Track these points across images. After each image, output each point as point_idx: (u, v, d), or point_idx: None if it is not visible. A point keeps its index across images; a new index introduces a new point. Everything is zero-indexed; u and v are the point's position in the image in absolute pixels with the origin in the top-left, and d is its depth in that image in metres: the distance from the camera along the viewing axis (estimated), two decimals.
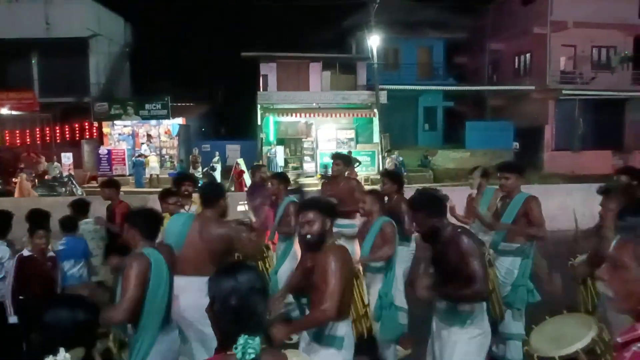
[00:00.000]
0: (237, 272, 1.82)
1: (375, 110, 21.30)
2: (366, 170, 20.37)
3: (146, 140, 22.23)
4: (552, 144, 23.06)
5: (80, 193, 15.32)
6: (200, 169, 19.36)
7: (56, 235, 4.96)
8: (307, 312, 3.07)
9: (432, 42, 26.09)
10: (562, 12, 21.77)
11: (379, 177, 17.59)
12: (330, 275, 2.65)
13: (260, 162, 21.09)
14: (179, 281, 3.43)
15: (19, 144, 20.47)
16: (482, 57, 27.35)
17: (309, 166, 21.64)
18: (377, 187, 6.53)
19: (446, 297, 3.00)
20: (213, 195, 3.90)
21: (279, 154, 21.14)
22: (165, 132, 22.89)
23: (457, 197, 5.72)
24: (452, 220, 4.55)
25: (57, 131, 21.33)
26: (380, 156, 20.72)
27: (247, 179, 16.07)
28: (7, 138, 20.70)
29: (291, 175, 6.80)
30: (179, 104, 22.64)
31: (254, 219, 5.61)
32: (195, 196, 4.85)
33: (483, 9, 26.25)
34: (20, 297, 4.11)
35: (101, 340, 2.71)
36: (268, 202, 5.81)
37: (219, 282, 1.81)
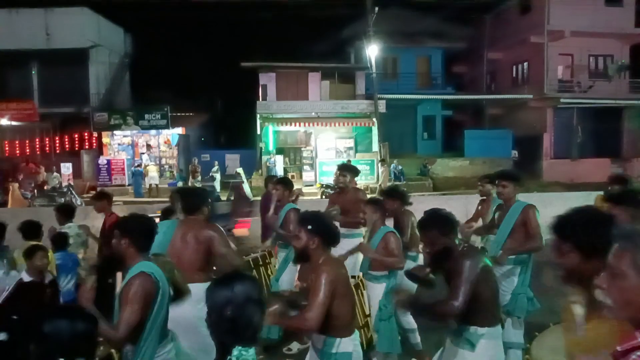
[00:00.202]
0: (234, 282, 1.80)
1: (374, 119, 21.36)
2: (365, 180, 20.38)
3: (146, 150, 22.25)
4: (550, 152, 23.11)
5: (79, 203, 15.30)
6: (199, 178, 19.38)
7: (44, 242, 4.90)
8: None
9: (430, 51, 26.24)
10: (559, 21, 21.94)
11: (377, 186, 17.62)
12: (318, 288, 2.67)
13: (260, 172, 21.15)
14: None
15: (18, 154, 20.49)
16: (480, 66, 27.50)
17: (308, 175, 21.66)
18: (377, 195, 6.53)
19: (421, 313, 3.03)
20: (195, 202, 3.85)
21: (279, 163, 21.17)
22: (165, 142, 22.92)
23: (457, 205, 5.73)
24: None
25: (57, 141, 21.36)
26: (379, 164, 20.75)
27: (247, 189, 16.04)
28: (7, 148, 20.73)
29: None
30: (179, 114, 22.70)
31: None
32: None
33: (481, 19, 26.44)
34: (14, 317, 3.86)
35: (102, 347, 2.68)
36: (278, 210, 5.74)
37: (215, 292, 1.80)
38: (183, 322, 3.16)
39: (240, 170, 18.20)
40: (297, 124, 22.02)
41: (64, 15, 21.62)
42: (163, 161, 22.77)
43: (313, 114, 21.72)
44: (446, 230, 3.00)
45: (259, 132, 21.93)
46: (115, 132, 22.09)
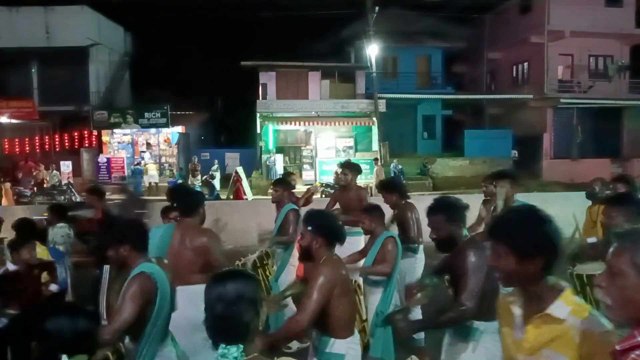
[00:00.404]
0: (227, 280, 1.79)
1: (374, 118, 21.37)
2: (365, 179, 20.38)
3: (146, 148, 22.26)
4: (550, 152, 23.12)
5: (79, 201, 15.31)
6: (199, 177, 19.37)
7: None
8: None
9: (430, 51, 26.23)
10: (559, 21, 21.94)
11: (373, 186, 17.62)
12: (313, 288, 2.66)
13: (260, 170, 21.16)
14: None
15: (18, 153, 20.50)
16: (480, 66, 27.50)
17: (308, 174, 21.66)
18: (375, 199, 6.51)
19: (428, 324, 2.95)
20: (192, 203, 3.84)
21: (278, 162, 21.17)
22: (165, 141, 22.92)
23: None
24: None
25: (57, 139, 21.38)
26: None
27: (247, 188, 16.04)
28: (7, 146, 20.74)
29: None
30: (179, 113, 22.70)
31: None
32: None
33: (481, 19, 26.44)
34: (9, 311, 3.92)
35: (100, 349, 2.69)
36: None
37: (208, 288, 1.80)
38: (183, 322, 3.17)
39: (239, 169, 18.20)
40: (297, 123, 22.02)
41: (64, 14, 21.62)
42: (163, 160, 22.78)
43: (313, 113, 21.73)
44: (453, 217, 2.91)
45: (258, 131, 21.93)
46: (115, 130, 22.09)
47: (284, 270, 5.15)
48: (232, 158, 22.93)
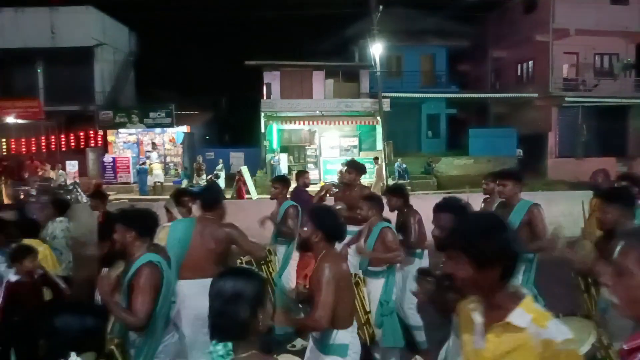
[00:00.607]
0: (228, 278, 1.81)
1: (379, 117, 21.33)
2: (369, 178, 20.37)
3: (152, 148, 22.33)
4: (555, 151, 23.03)
5: (85, 200, 15.36)
6: (204, 176, 19.41)
7: None
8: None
9: (434, 49, 26.16)
10: (564, 19, 21.83)
11: (379, 184, 17.60)
12: (322, 284, 2.72)
13: (265, 170, 21.18)
14: (187, 286, 3.45)
15: (24, 152, 20.59)
16: (484, 65, 27.41)
17: (312, 173, 21.62)
18: (375, 190, 6.54)
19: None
20: (213, 198, 3.98)
21: (283, 162, 21.18)
22: (170, 140, 22.98)
23: None
24: None
25: (62, 139, 21.45)
26: (383, 163, 20.73)
27: (252, 187, 16.06)
28: (13, 146, 20.84)
29: (294, 183, 6.82)
30: (184, 112, 22.76)
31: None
32: (195, 208, 4.81)
33: (485, 17, 26.34)
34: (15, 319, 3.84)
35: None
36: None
37: (212, 284, 1.82)
38: (203, 315, 3.22)
39: (244, 168, 18.23)
40: (301, 122, 22.02)
41: (69, 14, 21.68)
42: (168, 159, 22.83)
43: (317, 112, 21.72)
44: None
45: (263, 130, 21.95)
46: (120, 130, 22.16)
47: (287, 266, 5.22)
48: (237, 157, 22.97)
